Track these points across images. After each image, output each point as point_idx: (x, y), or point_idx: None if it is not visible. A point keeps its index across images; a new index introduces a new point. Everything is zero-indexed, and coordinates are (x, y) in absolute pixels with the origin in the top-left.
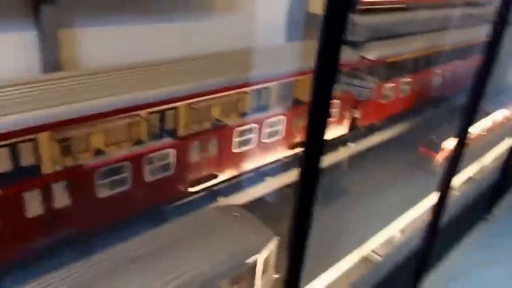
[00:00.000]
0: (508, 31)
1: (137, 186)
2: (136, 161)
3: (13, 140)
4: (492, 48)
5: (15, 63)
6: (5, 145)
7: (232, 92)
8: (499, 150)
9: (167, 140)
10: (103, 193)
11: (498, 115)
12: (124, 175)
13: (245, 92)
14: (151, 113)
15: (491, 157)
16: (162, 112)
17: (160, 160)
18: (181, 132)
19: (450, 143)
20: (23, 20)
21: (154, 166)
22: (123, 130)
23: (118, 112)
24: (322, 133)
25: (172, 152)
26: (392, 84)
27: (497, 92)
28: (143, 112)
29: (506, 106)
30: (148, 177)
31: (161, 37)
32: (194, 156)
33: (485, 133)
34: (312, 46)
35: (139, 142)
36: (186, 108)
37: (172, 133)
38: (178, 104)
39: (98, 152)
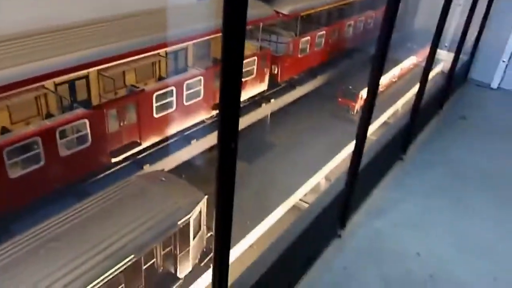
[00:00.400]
0: None
1: (53, 161)
2: (48, 135)
3: None
4: None
5: None
6: None
7: (146, 55)
8: (409, 95)
9: (80, 111)
10: (15, 173)
11: (407, 63)
12: (36, 151)
13: (160, 55)
14: (59, 83)
15: (402, 102)
16: (71, 82)
17: (75, 132)
18: (95, 101)
19: (365, 92)
20: None
21: (68, 140)
22: (29, 104)
23: (20, 85)
24: (237, 91)
25: (87, 123)
26: (308, 38)
27: (406, 40)
28: (49, 83)
29: (414, 54)
30: (64, 151)
31: None
32: (113, 125)
33: (396, 80)
34: None
35: (49, 115)
36: (98, 75)
37: (86, 103)
38: (88, 70)
39: (4, 129)
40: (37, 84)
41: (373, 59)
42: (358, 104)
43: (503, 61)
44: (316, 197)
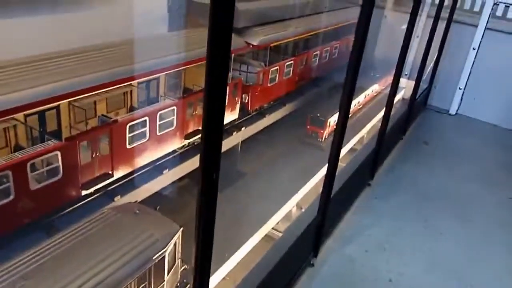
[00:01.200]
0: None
1: (22, 195)
2: (19, 168)
3: None
4: (362, 29)
5: None
6: None
7: (118, 86)
8: (373, 122)
9: (53, 143)
10: None
11: (370, 90)
12: (6, 185)
13: (131, 85)
14: (29, 115)
15: (367, 128)
16: (41, 112)
17: (46, 165)
18: (66, 131)
19: (333, 119)
20: None
21: (39, 172)
22: None
23: None
24: (220, 123)
25: (59, 155)
26: (277, 67)
27: (367, 69)
28: (19, 115)
29: (377, 82)
30: (34, 185)
31: (28, 31)
32: (85, 156)
33: (361, 107)
34: (197, 34)
35: (18, 147)
36: (69, 105)
37: (56, 134)
38: (59, 102)
39: None
40: (8, 117)
41: (344, 85)
42: (326, 131)
43: (460, 88)
44: (289, 225)
